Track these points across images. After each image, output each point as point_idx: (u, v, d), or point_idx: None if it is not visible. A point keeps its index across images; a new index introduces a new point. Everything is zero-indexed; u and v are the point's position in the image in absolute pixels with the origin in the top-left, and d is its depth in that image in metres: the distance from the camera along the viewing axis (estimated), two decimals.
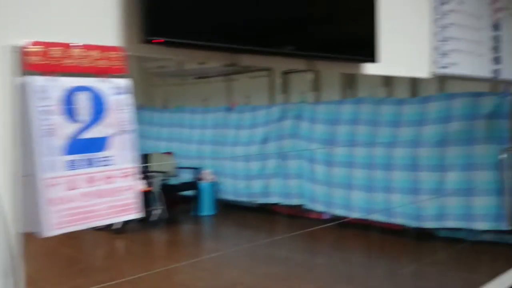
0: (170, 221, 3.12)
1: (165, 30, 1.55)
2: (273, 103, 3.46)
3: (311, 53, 2.02)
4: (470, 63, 2.46)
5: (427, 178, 3.25)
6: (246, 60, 1.88)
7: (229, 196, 3.87)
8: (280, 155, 3.89)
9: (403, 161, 3.26)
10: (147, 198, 3.45)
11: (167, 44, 1.56)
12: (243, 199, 3.84)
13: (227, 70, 2.48)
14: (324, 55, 2.09)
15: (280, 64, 2.05)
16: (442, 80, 2.79)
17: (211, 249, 2.85)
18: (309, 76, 2.72)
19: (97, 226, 2.63)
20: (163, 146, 3.14)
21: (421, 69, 2.44)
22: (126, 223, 3.19)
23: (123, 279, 1.78)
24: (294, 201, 3.89)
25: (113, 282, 1.67)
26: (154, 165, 2.93)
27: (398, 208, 3.26)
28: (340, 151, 3.65)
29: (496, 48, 2.57)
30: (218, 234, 3.18)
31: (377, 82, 3.05)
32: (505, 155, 3.30)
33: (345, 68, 2.29)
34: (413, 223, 3.34)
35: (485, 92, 3.24)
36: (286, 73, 2.87)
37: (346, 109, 3.65)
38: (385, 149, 3.30)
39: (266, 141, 3.83)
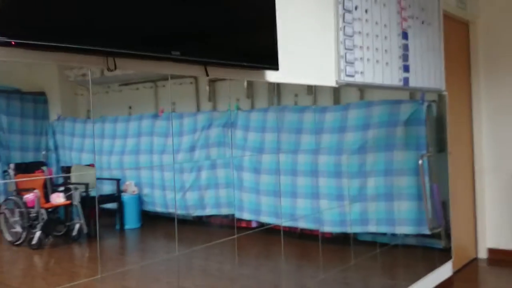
0: (91, 235, 3.00)
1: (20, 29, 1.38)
2: (200, 111, 3.44)
3: (201, 59, 1.97)
4: (377, 71, 2.46)
5: (350, 184, 3.32)
6: (128, 65, 1.78)
7: (156, 208, 3.77)
8: (210, 164, 3.84)
9: (327, 168, 3.31)
10: (67, 211, 3.27)
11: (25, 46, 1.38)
12: (172, 210, 3.74)
13: (153, 77, 2.42)
14: (218, 61, 2.06)
15: (170, 69, 1.98)
16: (360, 88, 2.87)
17: (134, 261, 2.74)
18: (233, 85, 2.71)
19: (14, 241, 2.45)
20: (86, 157, 3.02)
21: (328, 78, 2.44)
22: (45, 238, 3.01)
23: None
24: (224, 211, 3.88)
25: None
26: (74, 177, 2.79)
27: (323, 215, 3.30)
28: (267, 159, 3.70)
29: (404, 57, 2.62)
30: (142, 247, 3.08)
31: (302, 90, 3.10)
32: (423, 161, 3.44)
33: (247, 75, 2.28)
34: (337, 229, 3.39)
35: (403, 99, 3.36)
36: (213, 81, 2.85)
37: (271, 117, 3.71)
38: (309, 156, 3.36)
39: (194, 149, 3.78)
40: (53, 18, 1.44)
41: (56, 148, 2.75)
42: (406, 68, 2.63)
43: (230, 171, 3.25)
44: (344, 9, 2.14)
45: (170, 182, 3.87)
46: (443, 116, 3.41)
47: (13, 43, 1.31)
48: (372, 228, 3.44)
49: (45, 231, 2.99)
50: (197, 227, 3.31)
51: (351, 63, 2.24)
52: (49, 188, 3.42)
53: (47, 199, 3.23)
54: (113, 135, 3.18)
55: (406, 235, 3.58)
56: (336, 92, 3.07)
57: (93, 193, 2.99)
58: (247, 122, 3.43)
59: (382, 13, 2.47)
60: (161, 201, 3.96)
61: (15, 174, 3.56)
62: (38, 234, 2.84)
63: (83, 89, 2.25)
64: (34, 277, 2.39)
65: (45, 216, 2.98)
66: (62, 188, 2.98)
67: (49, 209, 3.09)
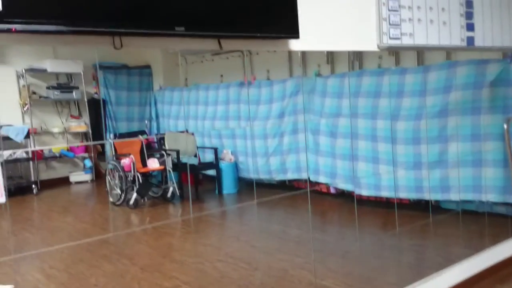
0: (184, 198, 3.19)
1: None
2: (291, 76, 3.49)
3: (208, 33, 1.88)
4: (432, 32, 2.23)
5: (430, 149, 3.27)
6: (134, 42, 1.79)
7: (250, 175, 3.95)
8: (293, 130, 3.95)
9: (405, 135, 3.28)
10: (162, 176, 3.52)
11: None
12: (262, 176, 3.91)
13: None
14: (229, 34, 1.92)
15: (178, 44, 1.91)
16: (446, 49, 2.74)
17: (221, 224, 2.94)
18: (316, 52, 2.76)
19: (115, 202, 2.74)
20: (181, 124, 3.20)
21: (368, 42, 2.23)
22: (141, 199, 3.27)
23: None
24: (304, 175, 3.94)
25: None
26: (167, 144, 3.00)
27: (398, 180, 3.29)
28: (343, 123, 3.70)
29: (468, 14, 2.34)
30: (237, 212, 3.26)
31: (383, 53, 3.08)
32: (509, 125, 3.29)
33: (266, 45, 2.11)
34: (417, 196, 3.36)
35: (490, 59, 3.21)
36: None
37: (350, 82, 3.71)
38: (388, 121, 3.34)
39: (283, 116, 3.91)
40: (61, 5, 1.53)
41: (157, 116, 2.96)
42: (470, 27, 2.38)
43: (307, 134, 3.33)
44: None
45: (265, 149, 3.98)
46: None
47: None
48: (455, 196, 3.36)
49: (141, 193, 3.26)
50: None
51: (396, 25, 2.07)
52: (145, 154, 3.71)
53: (144, 164, 3.51)
54: (206, 102, 3.32)
55: (494, 203, 3.47)
56: (421, 52, 2.97)
57: (185, 159, 3.18)
58: (324, 88, 3.46)
59: None
60: (255, 168, 4.11)
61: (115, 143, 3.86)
62: (134, 195, 3.10)
63: (182, 60, 2.41)
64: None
65: (140, 180, 3.25)
66: (158, 154, 3.21)
67: (145, 173, 3.36)
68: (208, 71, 2.93)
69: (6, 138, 2.67)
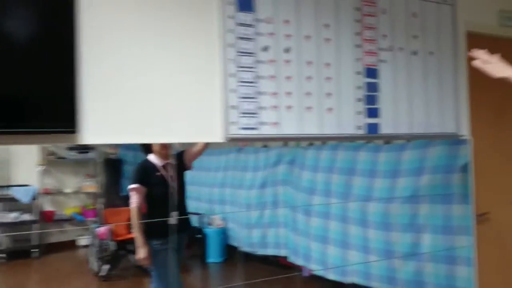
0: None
1: None
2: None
3: None
4: (310, 120, 1.79)
5: (402, 238, 2.91)
6: None
7: (239, 243, 3.87)
8: (274, 202, 3.79)
9: (376, 219, 2.97)
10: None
11: None
12: (245, 248, 3.80)
13: None
14: None
15: None
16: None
17: None
18: None
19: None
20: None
21: (209, 133, 1.80)
22: (112, 269, 3.33)
23: None
24: (284, 253, 3.77)
25: None
26: None
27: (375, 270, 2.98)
28: (317, 200, 3.47)
29: (369, 99, 1.91)
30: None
31: None
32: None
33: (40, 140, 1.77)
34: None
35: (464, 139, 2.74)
36: None
37: (325, 156, 3.50)
38: (359, 203, 3.06)
39: (265, 186, 3.78)
40: None
41: None
42: (373, 113, 1.95)
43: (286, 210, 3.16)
44: (240, 51, 1.68)
45: (245, 219, 3.88)
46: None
47: None
48: None
49: (113, 264, 3.32)
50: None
51: (251, 114, 1.69)
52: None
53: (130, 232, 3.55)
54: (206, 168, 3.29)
55: None
56: None
57: None
58: (303, 160, 3.30)
59: (320, 51, 1.88)
60: (239, 238, 4.01)
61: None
62: (107, 266, 3.16)
63: None
64: None
65: (116, 249, 3.29)
66: None
67: (124, 241, 3.43)
68: None
69: (14, 200, 2.95)
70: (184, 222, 2.84)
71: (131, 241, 3.52)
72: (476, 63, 1.84)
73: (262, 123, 1.87)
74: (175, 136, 1.76)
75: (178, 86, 1.76)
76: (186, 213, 2.86)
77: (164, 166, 2.70)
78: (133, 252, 3.51)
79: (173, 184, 2.73)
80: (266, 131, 1.84)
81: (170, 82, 1.74)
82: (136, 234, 2.66)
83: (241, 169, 4.23)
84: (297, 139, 2.14)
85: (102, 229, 3.54)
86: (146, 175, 2.72)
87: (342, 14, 2.03)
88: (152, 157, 2.71)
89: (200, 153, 3.07)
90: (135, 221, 2.65)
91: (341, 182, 3.54)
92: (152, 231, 2.68)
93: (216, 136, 1.85)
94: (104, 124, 1.67)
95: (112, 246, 3.39)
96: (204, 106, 1.81)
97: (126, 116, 1.68)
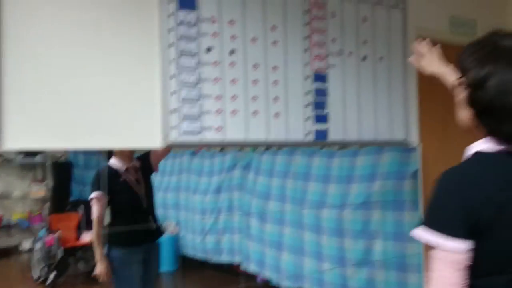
0: None
1: None
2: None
3: None
4: (257, 125, 1.73)
5: (355, 245, 2.88)
6: None
7: (192, 251, 3.76)
8: (228, 208, 3.71)
9: (329, 224, 2.94)
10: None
11: None
12: (199, 255, 3.69)
13: None
14: None
15: None
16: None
17: None
18: None
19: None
20: None
21: (147, 138, 1.68)
22: (59, 276, 3.16)
23: None
24: (238, 259, 3.70)
25: None
26: None
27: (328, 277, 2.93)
28: (272, 205, 3.43)
29: (318, 105, 1.88)
30: None
31: None
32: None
33: None
34: None
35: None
36: None
37: (281, 160, 3.47)
38: (313, 209, 3.01)
39: (220, 191, 3.69)
40: None
41: None
42: (321, 119, 1.93)
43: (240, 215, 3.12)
44: (181, 51, 1.60)
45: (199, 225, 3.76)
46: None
47: None
48: None
49: (60, 271, 3.19)
50: None
51: (194, 118, 1.61)
52: (82, 228, 3.64)
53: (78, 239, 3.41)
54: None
55: None
56: None
57: None
58: (258, 165, 3.27)
59: (267, 53, 1.83)
60: (193, 245, 3.90)
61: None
62: (53, 274, 3.01)
63: None
64: None
65: (63, 256, 3.14)
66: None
67: (73, 248, 3.28)
68: None
69: None
70: (155, 230, 2.66)
71: (81, 247, 3.39)
72: (411, 60, 1.79)
73: (205, 128, 1.79)
74: (110, 141, 1.63)
75: (114, 88, 1.65)
76: (157, 220, 2.69)
77: (127, 170, 2.56)
78: (83, 259, 3.38)
79: (138, 188, 2.58)
80: (210, 136, 1.76)
81: (105, 83, 1.63)
82: (95, 247, 2.48)
83: (196, 173, 4.15)
84: (243, 145, 2.06)
85: (49, 236, 3.41)
86: (108, 181, 2.52)
87: (290, 16, 1.97)
88: (113, 161, 2.57)
89: (167, 152, 2.88)
90: (95, 233, 2.47)
91: (296, 187, 3.50)
92: (118, 241, 2.50)
93: (155, 141, 1.75)
94: (28, 129, 1.54)
95: (59, 253, 3.26)
96: (143, 109, 1.70)
97: (54, 120, 1.56)
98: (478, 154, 1.05)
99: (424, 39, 1.70)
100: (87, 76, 1.63)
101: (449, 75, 1.49)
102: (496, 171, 1.02)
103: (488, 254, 1.01)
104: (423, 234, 1.02)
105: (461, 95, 1.09)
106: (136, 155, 2.61)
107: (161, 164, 2.73)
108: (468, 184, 1.01)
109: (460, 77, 1.09)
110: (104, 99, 1.62)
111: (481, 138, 1.07)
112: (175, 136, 1.71)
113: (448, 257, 0.98)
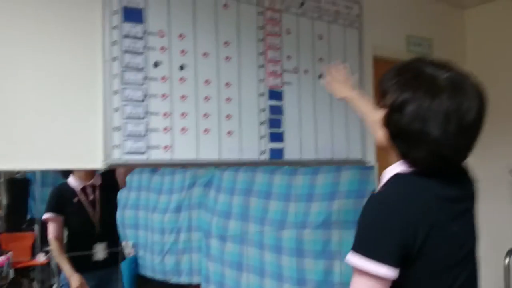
0: None
1: None
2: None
3: None
4: (209, 144, 1.67)
5: (315, 266, 2.85)
6: None
7: (151, 273, 3.63)
8: (188, 228, 3.62)
9: (289, 244, 2.89)
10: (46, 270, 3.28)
11: None
12: (158, 276, 3.57)
13: None
14: None
15: None
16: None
17: None
18: None
19: None
20: None
21: (86, 158, 1.57)
22: None
23: None
24: (197, 280, 3.59)
25: None
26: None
27: None
28: (233, 225, 3.35)
29: (272, 122, 1.83)
30: None
31: None
32: None
33: None
34: None
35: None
36: None
37: (243, 178, 3.38)
38: (274, 228, 2.96)
39: (180, 210, 3.60)
40: None
41: None
42: (276, 137, 1.87)
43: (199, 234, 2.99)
44: (126, 66, 1.52)
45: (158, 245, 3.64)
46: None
47: None
48: None
49: None
50: None
51: (138, 136, 1.52)
52: (37, 249, 3.48)
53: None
54: None
55: None
56: None
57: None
58: (220, 182, 3.20)
59: (220, 69, 1.76)
60: (151, 266, 3.77)
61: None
62: None
63: None
64: None
65: (14, 277, 2.99)
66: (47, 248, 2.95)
67: (26, 268, 3.12)
68: None
69: None
70: (113, 255, 2.58)
71: (34, 268, 3.23)
72: (323, 82, 1.75)
73: (152, 147, 1.70)
74: (45, 162, 1.52)
75: (51, 104, 1.55)
76: (117, 244, 2.63)
77: (84, 189, 2.44)
78: (39, 280, 3.22)
79: (92, 210, 2.47)
80: (156, 155, 1.68)
81: (41, 98, 1.53)
82: (62, 265, 2.40)
83: (155, 191, 4.04)
84: (193, 165, 1.97)
85: (0, 256, 3.24)
86: (62, 202, 2.43)
87: (244, 31, 1.93)
88: (71, 180, 2.43)
89: (134, 167, 2.71)
90: (55, 250, 2.38)
91: (258, 205, 3.43)
92: (73, 268, 2.36)
93: (96, 161, 1.63)
94: None
95: (11, 273, 3.10)
96: (83, 126, 1.59)
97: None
98: (399, 176, 1.07)
99: (342, 61, 1.69)
100: (22, 91, 1.54)
101: (359, 100, 1.54)
102: (422, 191, 1.04)
103: (418, 278, 1.01)
104: (355, 259, 0.99)
105: (379, 114, 1.11)
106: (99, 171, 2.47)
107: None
108: (405, 204, 1.01)
109: (381, 98, 1.11)
110: (40, 115, 1.53)
111: (395, 158, 1.10)
112: (118, 156, 1.61)
113: (376, 283, 0.97)
